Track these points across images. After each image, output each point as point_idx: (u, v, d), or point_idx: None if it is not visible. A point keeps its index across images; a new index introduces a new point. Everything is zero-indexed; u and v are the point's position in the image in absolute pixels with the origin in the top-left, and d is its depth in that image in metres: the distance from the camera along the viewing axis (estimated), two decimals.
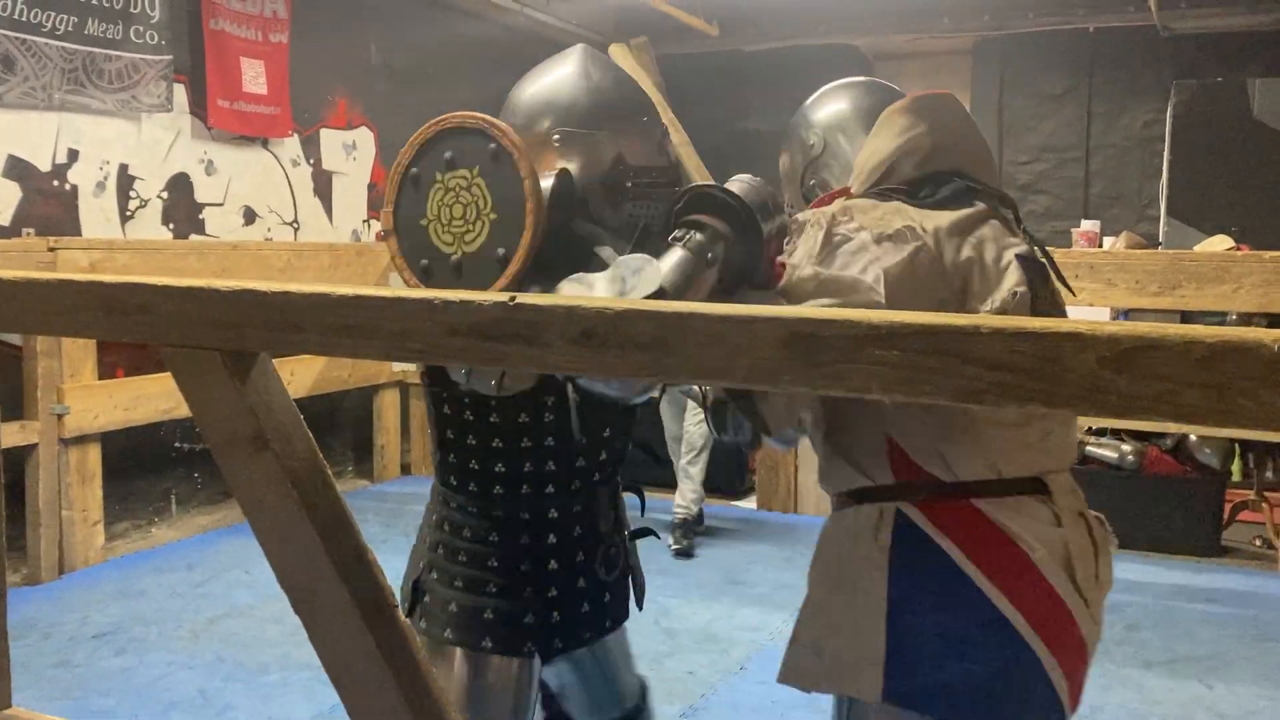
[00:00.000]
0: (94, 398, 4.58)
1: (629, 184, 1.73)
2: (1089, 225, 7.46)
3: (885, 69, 8.75)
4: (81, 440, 4.55)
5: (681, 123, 11.11)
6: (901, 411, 1.56)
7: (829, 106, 1.93)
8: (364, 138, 6.65)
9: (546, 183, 1.61)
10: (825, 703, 3.24)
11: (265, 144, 5.93)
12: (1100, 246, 7.13)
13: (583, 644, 1.86)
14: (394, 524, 5.27)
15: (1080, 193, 7.90)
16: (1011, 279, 1.56)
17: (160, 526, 5.30)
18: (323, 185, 6.35)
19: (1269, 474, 5.06)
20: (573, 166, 1.71)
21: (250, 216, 5.86)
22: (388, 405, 6.32)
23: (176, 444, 5.37)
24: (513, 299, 1.06)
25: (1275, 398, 0.88)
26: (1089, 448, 4.99)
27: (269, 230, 5.97)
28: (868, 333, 0.99)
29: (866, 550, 1.57)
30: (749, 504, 5.65)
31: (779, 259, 1.64)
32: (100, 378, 4.68)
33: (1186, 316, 4.80)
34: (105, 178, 5.03)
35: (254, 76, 5.71)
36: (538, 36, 7.92)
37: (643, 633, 3.82)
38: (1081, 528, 1.60)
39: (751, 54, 8.56)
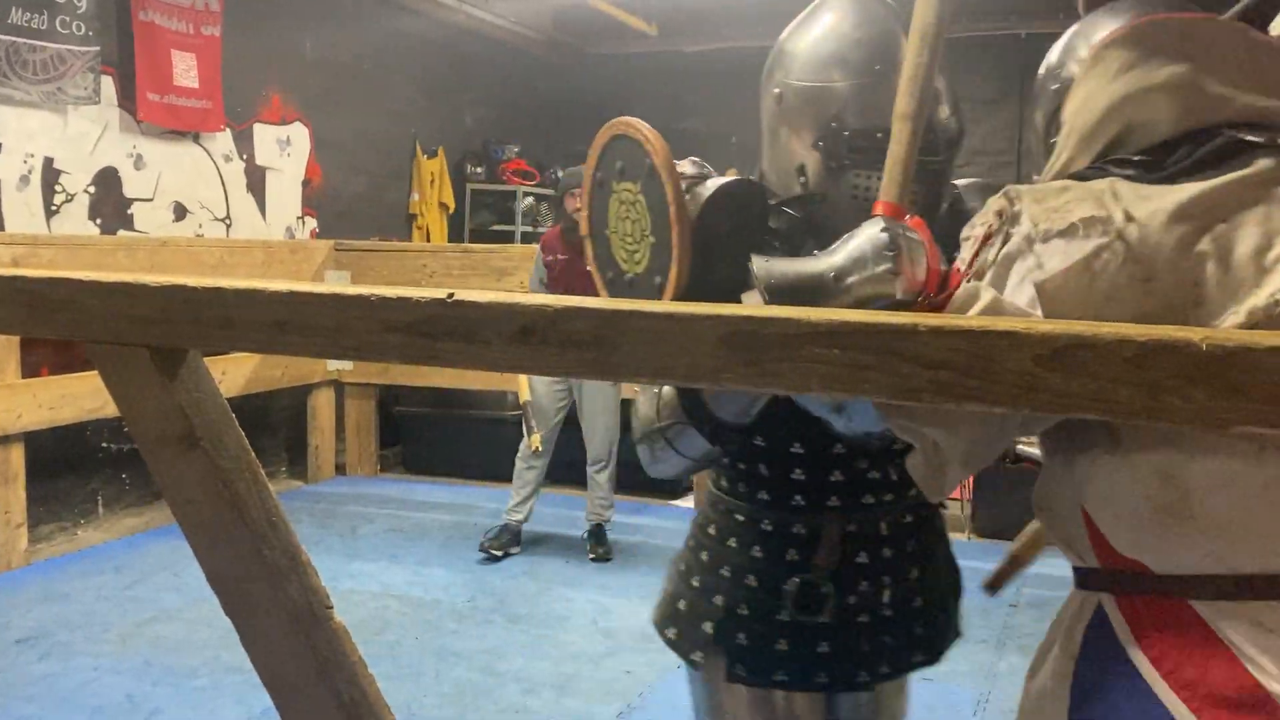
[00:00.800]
0: (17, 397, 4.46)
1: (845, 150, 1.47)
2: None
3: None
4: (4, 441, 4.43)
5: None
6: (1097, 477, 1.14)
7: (1088, 33, 1.34)
8: (299, 133, 6.55)
9: (710, 186, 1.48)
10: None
11: (196, 138, 5.81)
12: None
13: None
14: (328, 525, 5.21)
15: None
16: (1276, 282, 1.04)
17: (87, 529, 5.17)
18: (256, 181, 6.25)
19: None
20: (786, 130, 1.52)
21: (181, 213, 5.74)
22: (322, 405, 6.24)
23: (104, 444, 5.24)
24: (450, 295, 1.04)
25: (1204, 396, 0.90)
26: (1020, 446, 5.08)
27: (200, 227, 5.86)
28: (807, 331, 0.99)
29: (1061, 646, 1.21)
30: (687, 503, 5.66)
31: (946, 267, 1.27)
32: (24, 376, 4.55)
33: None
34: (29, 171, 4.89)
35: (185, 69, 5.60)
36: (476, 34, 7.88)
37: (580, 632, 3.81)
38: None
39: (691, 55, 8.59)
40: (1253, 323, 1.03)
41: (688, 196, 1.43)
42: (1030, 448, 5.06)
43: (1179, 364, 0.90)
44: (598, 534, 4.96)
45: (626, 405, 4.69)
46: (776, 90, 1.55)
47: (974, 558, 4.70)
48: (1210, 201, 1.08)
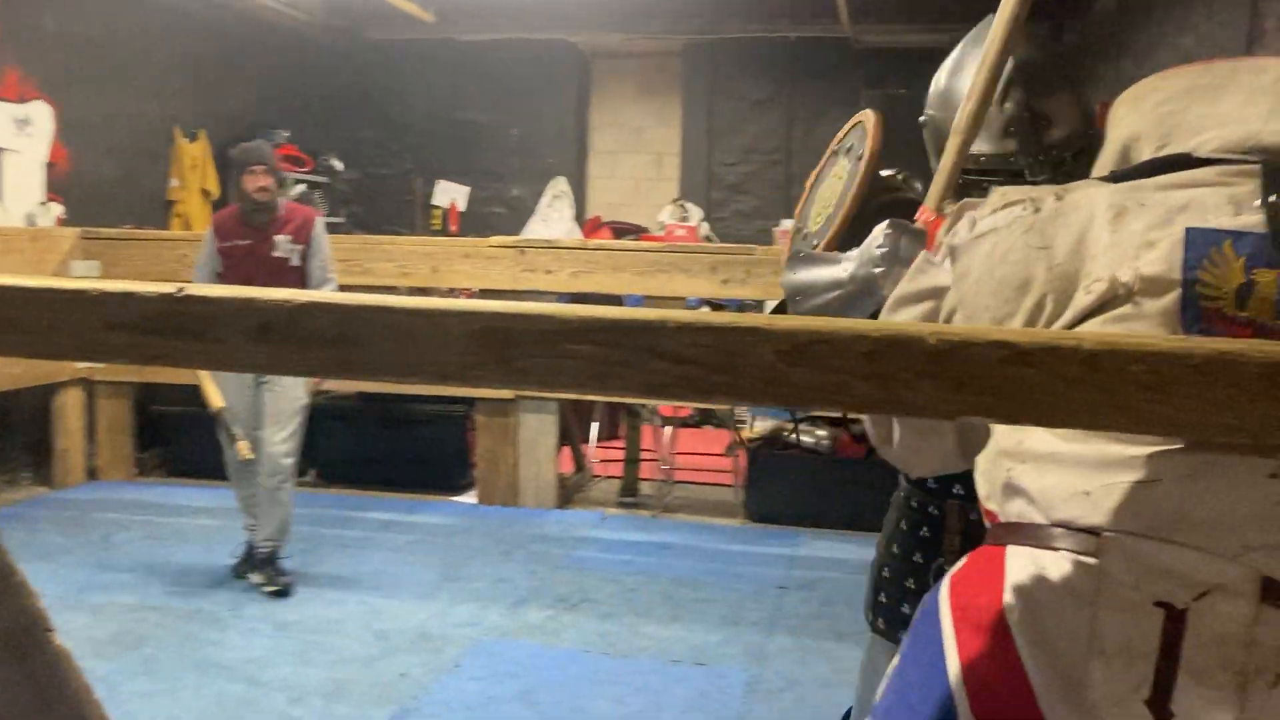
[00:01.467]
0: None
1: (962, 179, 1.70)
2: (789, 224, 7.90)
3: (602, 67, 8.91)
4: None
5: (394, 111, 10.91)
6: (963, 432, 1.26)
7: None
8: (40, 112, 6.04)
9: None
10: (541, 697, 3.25)
11: None
12: None
13: None
14: (77, 534, 4.84)
15: (782, 193, 8.35)
16: (1141, 259, 1.07)
17: None
18: None
19: None
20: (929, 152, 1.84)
21: None
22: (70, 405, 5.79)
23: None
24: (180, 289, 0.97)
25: (933, 388, 0.94)
26: (788, 433, 5.29)
27: None
28: (560, 328, 0.98)
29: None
30: (469, 499, 5.60)
31: None
32: None
33: None
34: None
35: None
36: (242, 13, 7.49)
37: (352, 635, 3.70)
38: (1154, 624, 1.04)
39: (467, 44, 8.47)
40: (1098, 298, 1.08)
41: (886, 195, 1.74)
42: (803, 436, 5.27)
43: (909, 358, 0.93)
44: (270, 562, 4.18)
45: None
46: (922, 119, 1.88)
47: (748, 542, 4.88)
48: (1134, 189, 1.13)
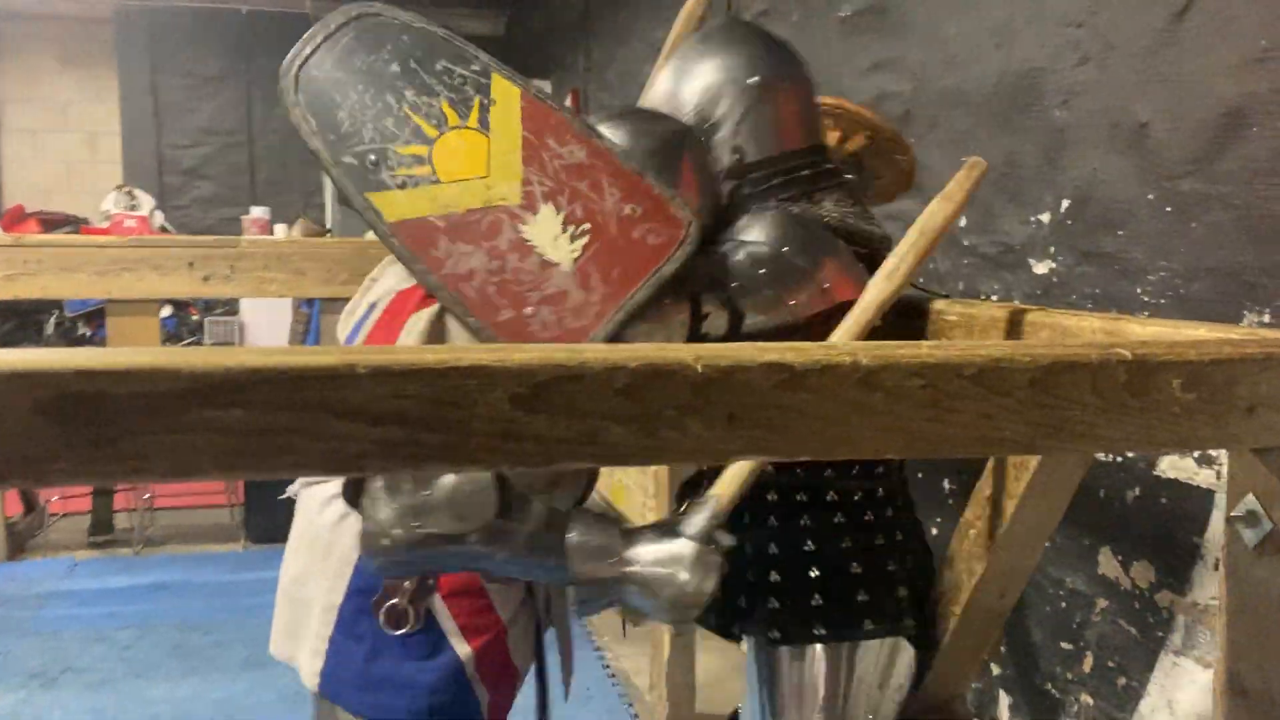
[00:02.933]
0: None
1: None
2: (259, 212, 7.31)
3: (11, 31, 7.61)
4: None
5: None
6: None
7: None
8: None
9: None
10: None
11: None
12: (272, 234, 7.04)
13: None
14: None
15: (247, 179, 7.73)
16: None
17: None
18: None
19: None
20: None
21: None
22: None
23: None
24: None
25: (700, 427, 0.76)
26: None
27: None
28: (190, 386, 0.67)
29: None
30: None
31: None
32: None
33: None
34: None
35: None
36: None
37: None
38: None
39: None
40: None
41: None
42: None
43: (673, 391, 0.75)
44: None
45: None
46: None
47: (258, 568, 4.40)
48: None
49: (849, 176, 1.58)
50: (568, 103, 5.87)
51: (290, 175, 7.75)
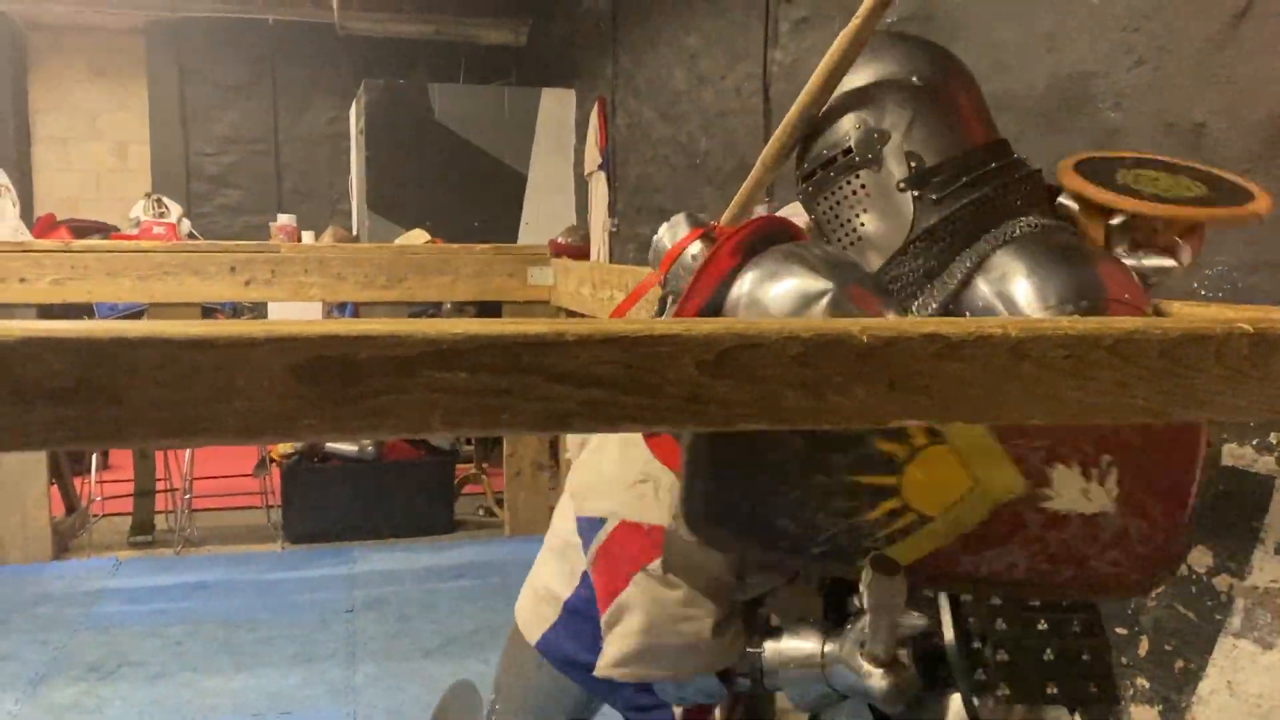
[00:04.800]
0: None
1: None
2: (286, 219, 7.39)
3: (42, 42, 7.71)
4: None
5: None
6: None
7: None
8: None
9: None
10: None
11: None
12: (300, 241, 7.12)
13: None
14: None
15: (273, 186, 7.81)
16: None
17: None
18: None
19: (489, 448, 5.51)
20: None
21: None
22: None
23: None
24: None
25: (864, 392, 0.83)
26: (327, 443, 4.92)
27: None
28: (423, 350, 0.74)
29: None
30: None
31: None
32: None
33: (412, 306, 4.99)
34: None
35: None
36: None
37: None
38: None
39: None
40: None
41: None
42: (337, 444, 4.94)
43: (840, 359, 0.82)
44: None
45: None
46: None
47: (296, 567, 4.47)
48: None
49: (1036, 169, 1.45)
50: (594, 112, 5.94)
51: (316, 183, 7.84)
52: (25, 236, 7.10)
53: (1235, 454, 1.81)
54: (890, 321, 0.82)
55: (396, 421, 0.73)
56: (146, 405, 0.68)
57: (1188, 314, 1.29)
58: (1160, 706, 2.01)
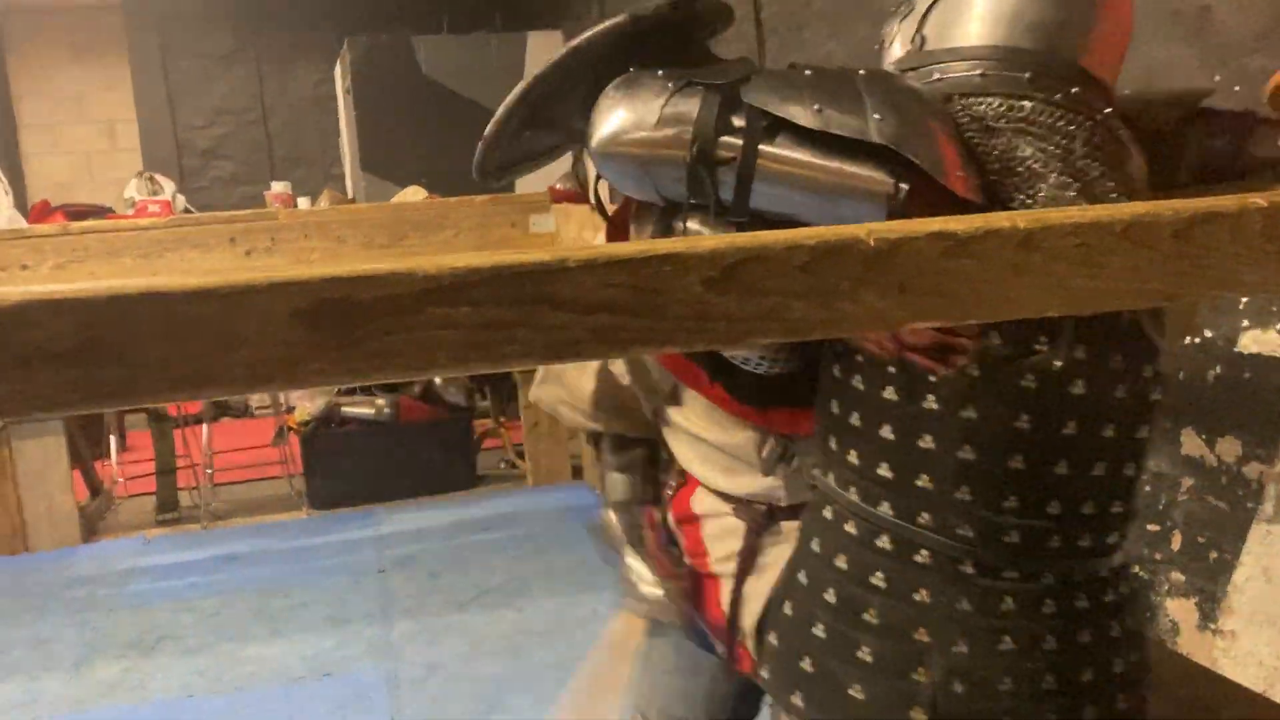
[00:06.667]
0: None
1: None
2: (280, 187, 7.32)
3: (21, 25, 7.63)
4: None
5: None
6: None
7: None
8: None
9: None
10: None
11: None
12: (296, 207, 7.08)
13: None
14: None
15: (265, 155, 7.76)
16: None
17: None
18: None
19: (505, 401, 5.52)
20: None
21: None
22: None
23: None
24: None
25: (874, 298, 0.81)
26: (344, 408, 4.94)
27: None
28: (424, 287, 0.73)
29: None
30: None
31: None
32: None
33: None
34: None
35: None
36: None
37: None
38: None
39: None
40: None
41: None
42: (354, 409, 4.96)
43: (848, 265, 0.80)
44: None
45: None
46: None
47: (324, 533, 4.51)
48: None
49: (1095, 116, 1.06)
50: None
51: (308, 150, 7.78)
52: (21, 223, 7.09)
53: (1260, 340, 1.79)
54: (896, 224, 0.80)
55: (403, 361, 0.72)
56: (151, 361, 0.67)
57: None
58: (1196, 598, 2.01)
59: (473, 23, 7.21)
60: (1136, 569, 1.88)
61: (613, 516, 1.60)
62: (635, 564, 1.57)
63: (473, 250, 4.67)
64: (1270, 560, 1.80)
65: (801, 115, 1.01)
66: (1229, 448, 1.85)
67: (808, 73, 1.05)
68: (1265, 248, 0.88)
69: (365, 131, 6.38)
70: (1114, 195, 1.04)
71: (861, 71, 1.05)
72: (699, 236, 0.87)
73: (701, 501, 1.48)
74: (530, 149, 1.36)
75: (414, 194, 6.01)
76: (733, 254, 0.78)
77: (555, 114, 1.26)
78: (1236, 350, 1.78)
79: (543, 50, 6.49)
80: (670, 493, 1.54)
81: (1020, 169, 1.05)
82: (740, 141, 1.04)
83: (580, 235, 4.31)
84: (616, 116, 1.09)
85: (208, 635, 3.53)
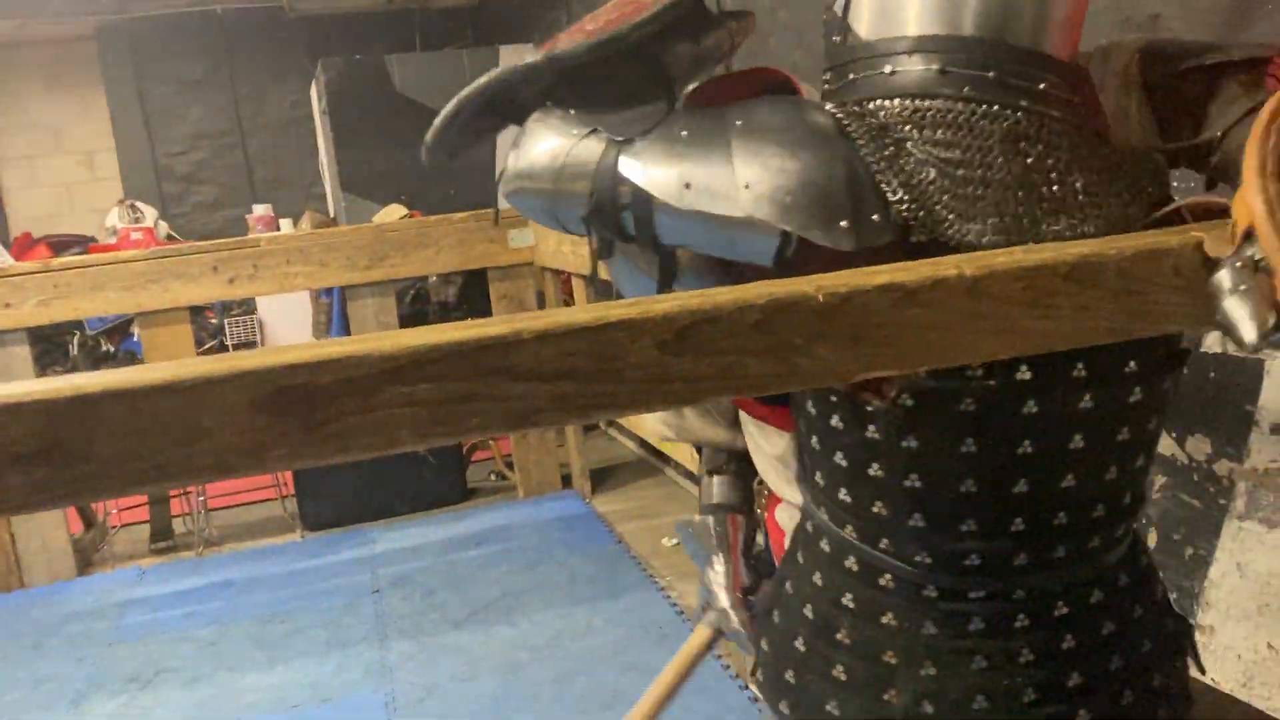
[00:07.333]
0: None
1: None
2: (262, 210, 7.35)
3: None
4: None
5: None
6: None
7: None
8: None
9: None
10: None
11: None
12: (279, 229, 7.09)
13: None
14: None
15: (245, 178, 7.76)
16: None
17: None
18: None
19: None
20: None
21: None
22: None
23: None
24: None
25: (828, 351, 0.83)
26: None
27: None
28: (383, 368, 0.74)
29: None
30: None
31: None
32: None
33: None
34: None
35: None
36: None
37: None
38: None
39: None
40: None
41: None
42: None
43: (800, 321, 0.82)
44: None
45: None
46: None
47: (317, 555, 4.51)
48: None
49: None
50: None
51: (288, 171, 7.79)
52: (5, 258, 7.08)
53: (1223, 340, 1.82)
54: (844, 276, 0.82)
55: (366, 440, 0.74)
56: (116, 457, 0.69)
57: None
58: (1174, 594, 2.04)
59: (445, 39, 7.23)
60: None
61: (709, 521, 1.60)
62: (720, 570, 1.57)
63: (455, 266, 4.68)
64: (1243, 555, 1.82)
65: (670, 193, 1.02)
66: (1199, 446, 1.87)
67: (684, 134, 1.04)
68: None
69: (343, 151, 6.38)
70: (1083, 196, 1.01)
71: (739, 122, 1.02)
72: (651, 299, 0.87)
73: (782, 514, 1.45)
74: (482, 129, 1.31)
75: (394, 212, 6.03)
76: (685, 316, 0.80)
77: (510, 110, 1.23)
78: (1202, 350, 1.81)
79: (515, 62, 6.50)
80: (761, 509, 1.54)
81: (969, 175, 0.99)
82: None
83: (559, 249, 4.33)
84: (524, 156, 1.12)
85: (206, 666, 3.53)
